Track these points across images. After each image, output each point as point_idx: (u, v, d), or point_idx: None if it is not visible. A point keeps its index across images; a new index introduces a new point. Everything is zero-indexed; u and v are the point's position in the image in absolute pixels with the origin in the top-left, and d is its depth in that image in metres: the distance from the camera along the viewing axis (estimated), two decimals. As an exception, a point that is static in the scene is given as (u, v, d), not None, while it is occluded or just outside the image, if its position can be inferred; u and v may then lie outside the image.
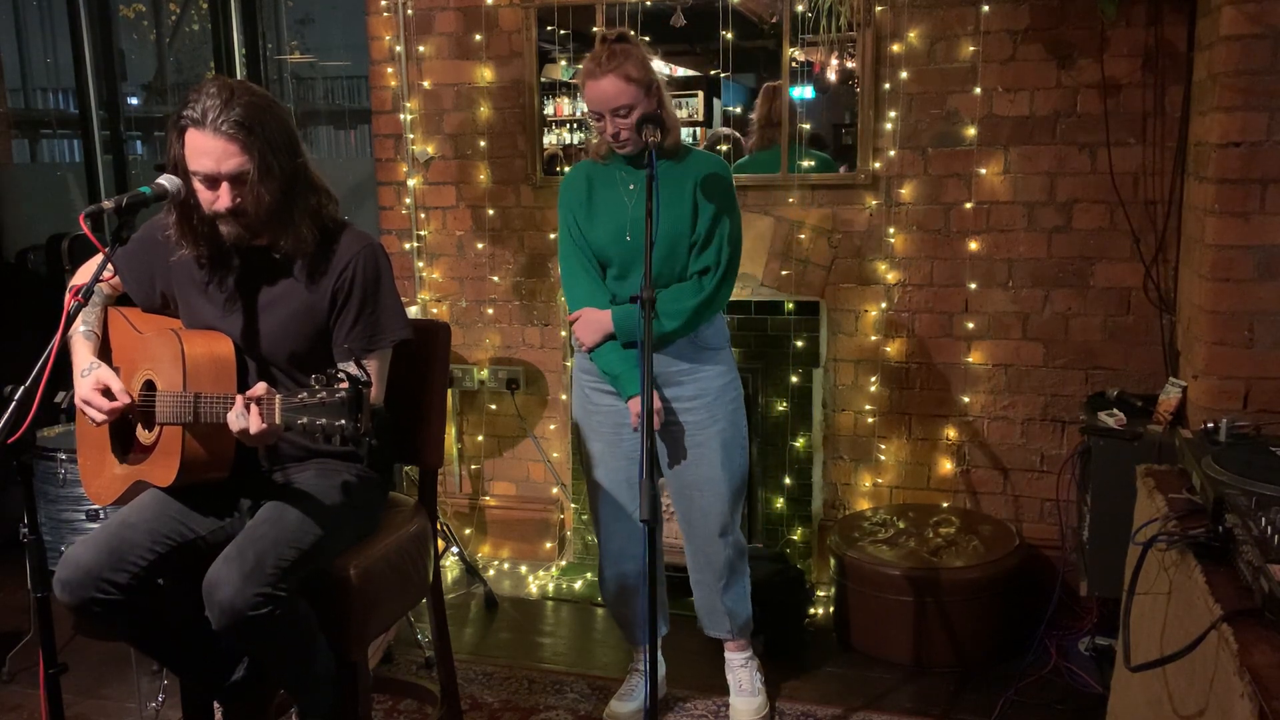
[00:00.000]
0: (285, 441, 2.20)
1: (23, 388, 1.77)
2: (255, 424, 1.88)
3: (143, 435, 2.14)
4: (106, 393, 2.05)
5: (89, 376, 2.07)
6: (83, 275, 2.24)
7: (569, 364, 3.80)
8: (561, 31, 3.64)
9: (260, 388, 1.90)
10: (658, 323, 2.54)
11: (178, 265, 2.19)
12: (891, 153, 3.40)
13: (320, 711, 2.12)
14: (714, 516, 2.71)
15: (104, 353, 2.22)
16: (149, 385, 2.12)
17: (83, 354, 2.13)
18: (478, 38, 3.76)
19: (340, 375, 1.81)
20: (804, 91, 3.50)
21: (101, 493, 2.23)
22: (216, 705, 2.39)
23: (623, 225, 2.59)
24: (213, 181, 2.00)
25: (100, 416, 2.05)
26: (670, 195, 2.55)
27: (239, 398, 1.90)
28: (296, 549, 1.99)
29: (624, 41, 2.51)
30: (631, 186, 2.60)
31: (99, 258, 2.23)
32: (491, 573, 3.86)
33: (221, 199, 2.01)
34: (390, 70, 3.87)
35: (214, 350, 2.10)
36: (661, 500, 2.86)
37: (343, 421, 1.78)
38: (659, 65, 3.68)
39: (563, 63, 3.72)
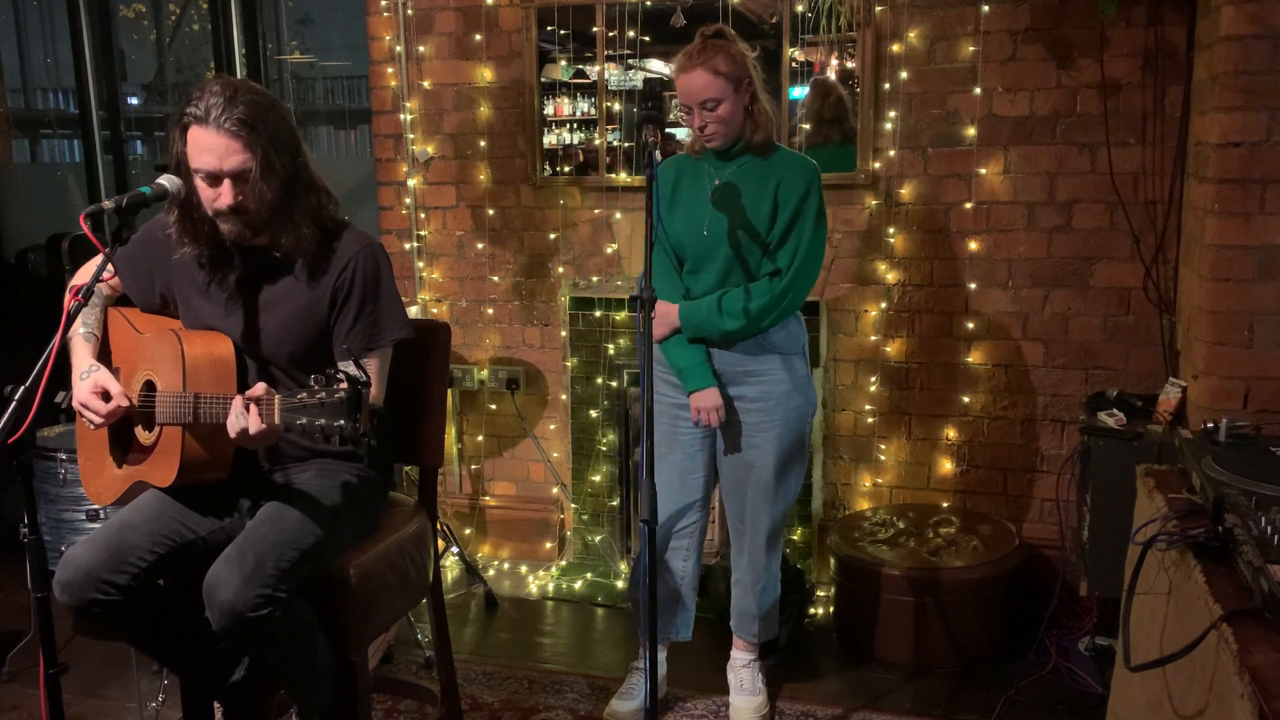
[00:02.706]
0: (285, 442, 2.20)
1: (23, 388, 1.77)
2: (254, 424, 1.88)
3: (142, 436, 2.14)
4: (105, 396, 2.05)
5: (88, 379, 2.07)
6: (83, 275, 2.24)
7: (569, 364, 3.80)
8: (561, 31, 3.64)
9: (259, 388, 1.90)
10: (719, 320, 2.57)
11: (178, 265, 2.19)
12: (891, 153, 3.40)
13: (320, 711, 2.12)
14: (762, 519, 2.73)
15: (103, 353, 2.22)
16: (149, 386, 2.12)
17: (82, 356, 2.13)
18: (478, 38, 3.76)
19: (339, 375, 1.81)
20: (803, 91, 3.50)
21: (101, 493, 2.23)
22: (216, 705, 2.40)
23: (700, 219, 2.60)
24: (215, 179, 2.01)
25: (98, 420, 2.05)
26: (749, 193, 2.57)
27: (237, 398, 1.90)
28: (296, 550, 1.99)
29: (720, 37, 2.53)
30: (716, 181, 2.61)
31: (99, 258, 2.23)
32: (491, 573, 3.86)
33: (223, 196, 2.01)
34: (390, 70, 3.87)
35: (214, 351, 2.10)
36: (710, 502, 2.87)
37: (341, 422, 1.78)
38: (659, 65, 3.69)
39: (563, 63, 3.72)
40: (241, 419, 1.89)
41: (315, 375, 1.83)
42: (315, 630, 2.06)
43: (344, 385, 1.79)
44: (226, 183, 2.01)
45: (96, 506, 2.97)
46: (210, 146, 1.98)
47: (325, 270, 2.14)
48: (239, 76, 4.58)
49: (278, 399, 1.87)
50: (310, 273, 2.15)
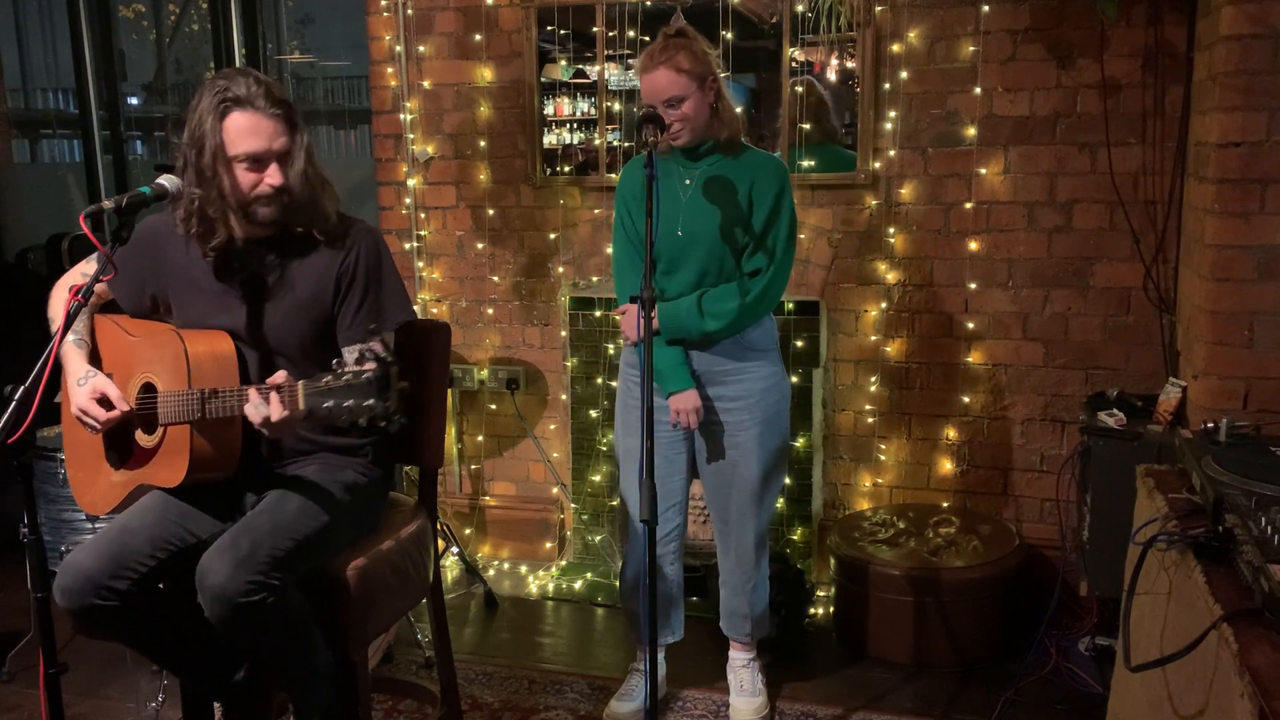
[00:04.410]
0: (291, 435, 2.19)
1: (23, 388, 1.77)
2: (277, 411, 1.89)
3: (143, 439, 2.13)
4: (103, 402, 2.05)
5: (85, 385, 2.07)
6: (69, 280, 2.24)
7: (569, 364, 3.80)
8: (561, 31, 3.64)
9: (280, 375, 1.92)
10: (700, 321, 2.57)
11: (174, 265, 2.19)
12: (891, 153, 3.40)
13: (319, 712, 2.11)
14: (748, 518, 2.72)
15: (93, 359, 2.21)
16: (146, 388, 2.11)
17: (76, 362, 2.12)
18: (478, 38, 3.76)
19: (367, 355, 1.81)
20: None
21: (97, 502, 2.21)
22: (216, 705, 2.40)
23: (674, 220, 2.60)
24: (259, 161, 2.05)
25: (97, 426, 2.05)
26: (723, 193, 2.57)
27: (253, 389, 1.91)
28: (292, 539, 2.00)
29: (681, 36, 2.54)
30: (687, 181, 2.62)
31: (81, 265, 2.25)
32: (491, 573, 3.86)
33: (272, 176, 2.06)
34: (390, 70, 3.87)
35: (215, 349, 2.10)
36: (689, 501, 2.87)
37: (371, 401, 1.79)
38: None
39: (563, 63, 3.72)
40: (263, 407, 1.89)
41: (337, 359, 1.84)
42: (312, 626, 2.06)
43: (371, 365, 1.79)
44: (274, 164, 2.06)
45: (95, 510, 2.97)
46: (258, 129, 2.03)
47: (329, 257, 2.17)
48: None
49: (300, 384, 1.88)
50: (314, 261, 2.17)
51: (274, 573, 1.93)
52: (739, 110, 2.64)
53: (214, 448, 2.05)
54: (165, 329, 2.17)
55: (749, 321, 2.61)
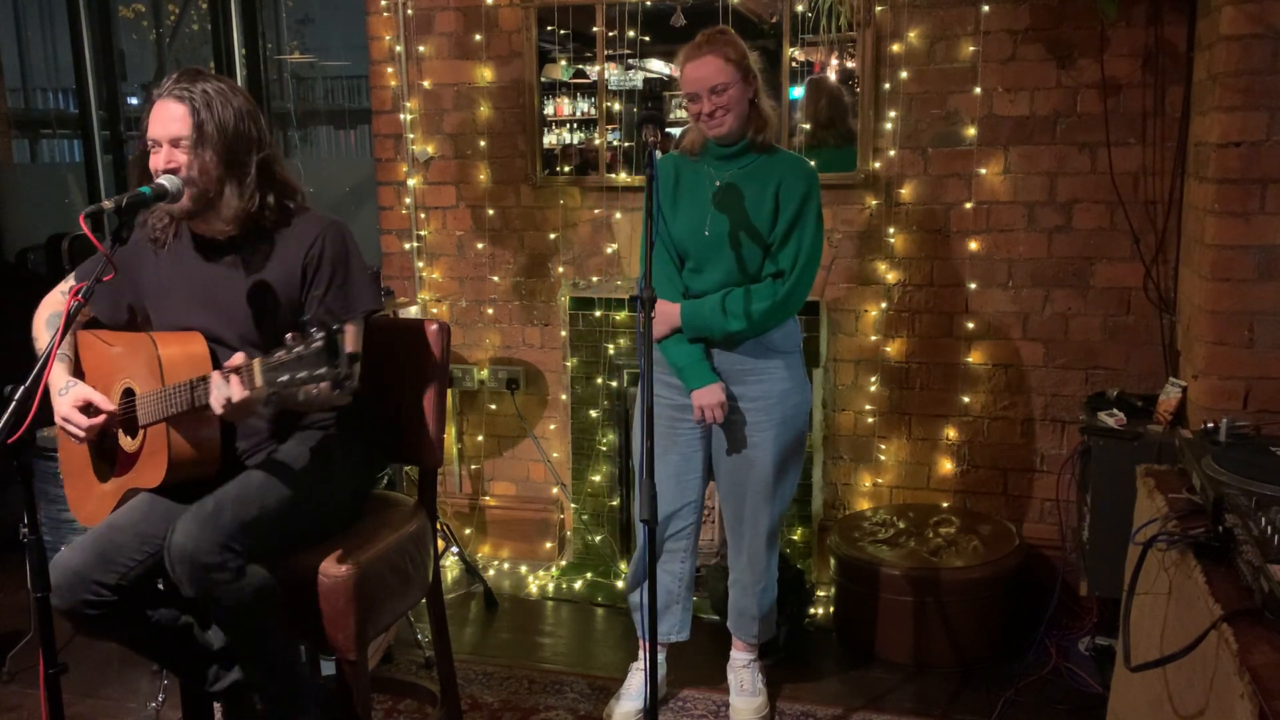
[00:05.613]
0: (265, 420, 2.19)
1: (23, 388, 1.77)
2: (238, 391, 1.89)
3: (126, 444, 2.14)
4: (86, 409, 2.06)
5: (67, 395, 2.08)
6: (51, 301, 2.28)
7: (569, 364, 3.80)
8: (561, 31, 3.64)
9: (238, 357, 1.93)
10: (723, 321, 2.58)
11: (147, 271, 2.21)
12: (891, 153, 3.40)
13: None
14: (762, 519, 2.73)
15: (77, 374, 2.22)
16: (128, 394, 2.12)
17: (58, 373, 2.14)
18: (478, 38, 3.76)
19: (312, 328, 1.82)
20: (801, 91, 3.50)
21: (94, 515, 2.22)
22: (216, 705, 2.39)
23: (702, 220, 2.61)
24: (158, 145, 2.08)
25: (80, 433, 2.06)
26: (751, 194, 2.59)
27: (215, 372, 1.93)
28: (259, 506, 2.02)
29: (724, 34, 2.60)
30: (717, 182, 2.63)
31: (61, 285, 2.29)
32: (491, 573, 3.86)
33: (159, 160, 2.06)
34: (390, 70, 3.87)
35: (188, 348, 2.12)
36: (704, 503, 2.87)
37: (323, 370, 1.79)
38: (659, 65, 3.70)
39: (563, 63, 3.72)
40: (223, 389, 1.90)
41: (290, 334, 1.84)
42: (275, 616, 2.03)
43: (318, 333, 1.80)
44: (165, 148, 2.06)
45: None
46: (158, 114, 2.07)
47: (294, 249, 2.18)
48: (238, 77, 4.59)
49: (257, 361, 1.88)
50: (281, 252, 2.18)
51: (238, 538, 1.95)
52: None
53: (192, 444, 2.07)
54: (141, 335, 2.19)
55: (771, 323, 2.62)
